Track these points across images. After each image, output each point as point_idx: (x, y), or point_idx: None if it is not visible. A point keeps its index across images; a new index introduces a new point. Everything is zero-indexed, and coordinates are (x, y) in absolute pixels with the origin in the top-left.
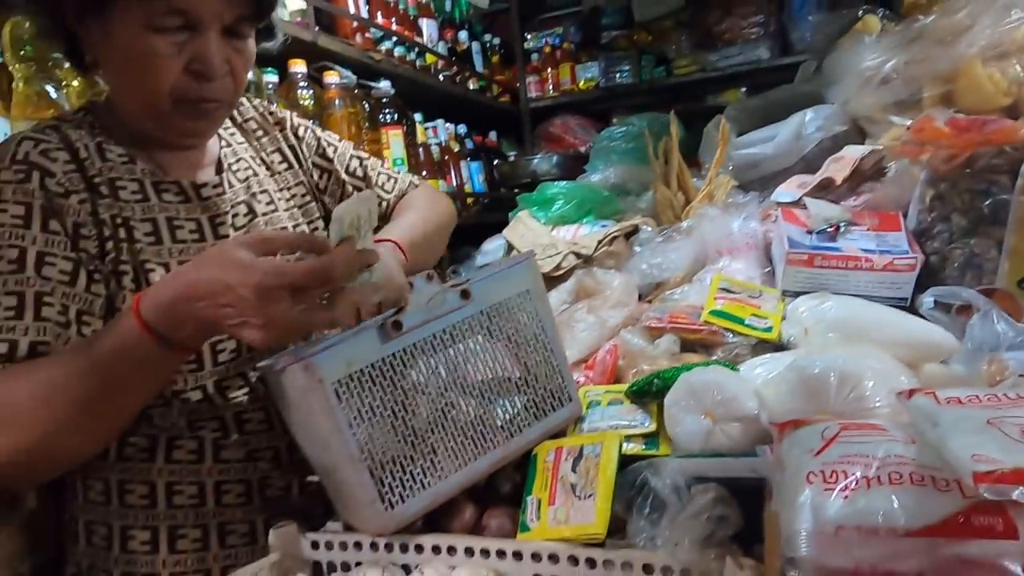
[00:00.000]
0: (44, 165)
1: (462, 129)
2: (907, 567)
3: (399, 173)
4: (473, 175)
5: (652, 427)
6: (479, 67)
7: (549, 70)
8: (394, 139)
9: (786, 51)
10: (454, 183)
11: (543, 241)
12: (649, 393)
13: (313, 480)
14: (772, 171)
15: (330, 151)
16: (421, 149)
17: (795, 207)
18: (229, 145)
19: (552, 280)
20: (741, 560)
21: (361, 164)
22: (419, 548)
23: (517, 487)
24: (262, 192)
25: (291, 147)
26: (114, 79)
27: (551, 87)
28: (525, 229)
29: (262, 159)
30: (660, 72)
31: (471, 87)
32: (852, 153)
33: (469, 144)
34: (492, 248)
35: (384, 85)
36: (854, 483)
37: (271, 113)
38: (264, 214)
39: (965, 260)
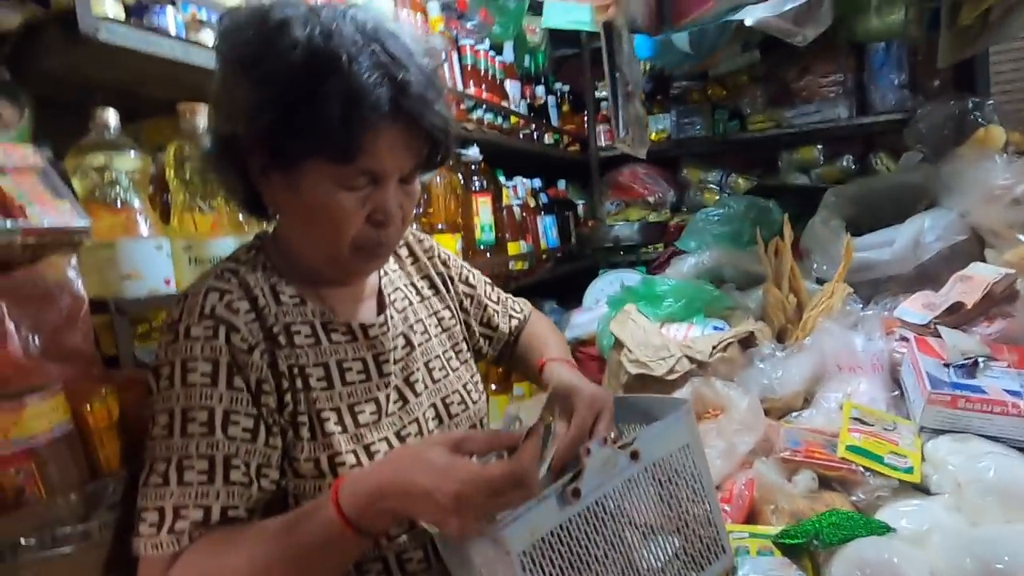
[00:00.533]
0: (230, 320)
1: (537, 183)
2: None
3: (512, 298)
4: (547, 230)
5: None
6: (554, 120)
7: None
8: (483, 206)
9: (864, 110)
10: (531, 241)
11: (655, 341)
12: (805, 549)
13: None
14: (886, 275)
15: (471, 278)
16: (505, 211)
17: (928, 335)
18: (387, 274)
19: (664, 384)
20: None
21: (493, 289)
22: None
23: None
24: (417, 322)
25: (439, 274)
26: (297, 227)
27: None
28: (635, 326)
29: (413, 285)
30: (734, 126)
31: (547, 141)
32: (982, 274)
33: (543, 198)
34: (582, 322)
35: (473, 152)
36: None
37: (420, 240)
38: (419, 344)
39: None
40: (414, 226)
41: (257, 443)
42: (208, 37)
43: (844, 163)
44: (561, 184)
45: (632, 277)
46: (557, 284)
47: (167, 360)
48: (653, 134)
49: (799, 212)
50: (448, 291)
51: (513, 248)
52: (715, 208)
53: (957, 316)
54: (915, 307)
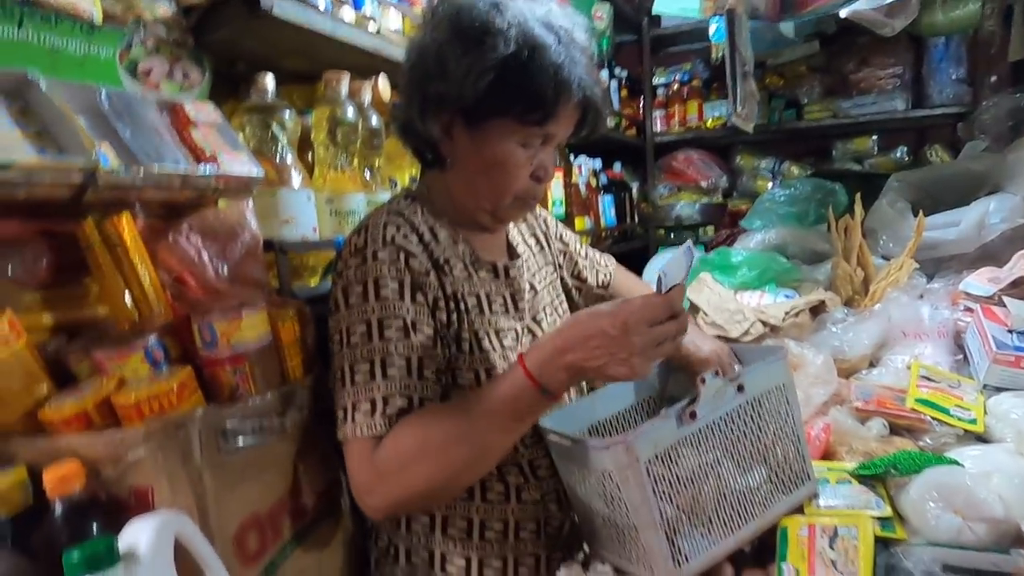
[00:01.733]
0: (407, 248)
1: (597, 164)
2: None
3: (600, 254)
4: (607, 209)
5: (888, 511)
6: (615, 104)
7: (676, 106)
8: (555, 181)
9: (920, 103)
10: (593, 219)
11: (730, 306)
12: (880, 477)
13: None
14: (949, 254)
15: (565, 235)
16: (572, 189)
17: (993, 304)
18: (512, 228)
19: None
20: None
21: (582, 246)
22: None
23: (756, 551)
24: (535, 272)
25: (544, 233)
26: (467, 178)
27: (677, 123)
28: (710, 292)
29: (526, 241)
30: (790, 115)
31: (609, 124)
32: None
33: (603, 179)
34: None
35: None
36: None
37: None
38: (538, 290)
39: None
40: None
41: (437, 349)
42: (348, 14)
43: (898, 154)
44: (617, 166)
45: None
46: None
47: (359, 280)
48: (709, 121)
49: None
50: (550, 247)
51: (579, 223)
52: (781, 189)
53: (1020, 289)
54: (980, 280)
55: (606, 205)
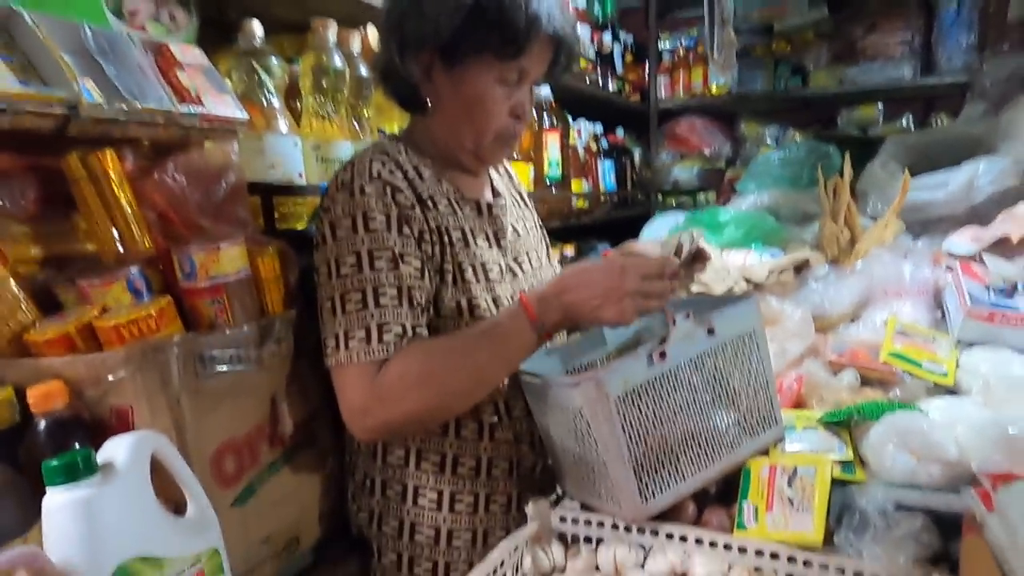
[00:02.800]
0: (393, 182)
1: (598, 128)
2: None
3: None
4: (606, 173)
5: (850, 455)
6: (619, 69)
7: (681, 71)
8: (552, 142)
9: (929, 71)
10: (592, 183)
11: (715, 264)
12: (845, 423)
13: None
14: (938, 215)
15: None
16: (570, 151)
17: (973, 261)
18: (495, 174)
19: None
20: None
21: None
22: (654, 533)
23: (720, 492)
24: (519, 219)
25: (525, 197)
26: (450, 119)
27: (682, 89)
28: None
29: (511, 193)
30: (796, 82)
31: (611, 88)
32: None
33: (604, 143)
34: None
35: (545, 91)
36: None
37: (506, 164)
38: (521, 234)
39: None
40: None
41: (424, 280)
42: None
43: (904, 123)
44: (619, 132)
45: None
46: (613, 228)
47: (346, 213)
48: (714, 87)
49: (857, 162)
50: (531, 210)
51: (576, 186)
52: (776, 152)
53: (1003, 248)
54: (963, 240)
55: (606, 170)
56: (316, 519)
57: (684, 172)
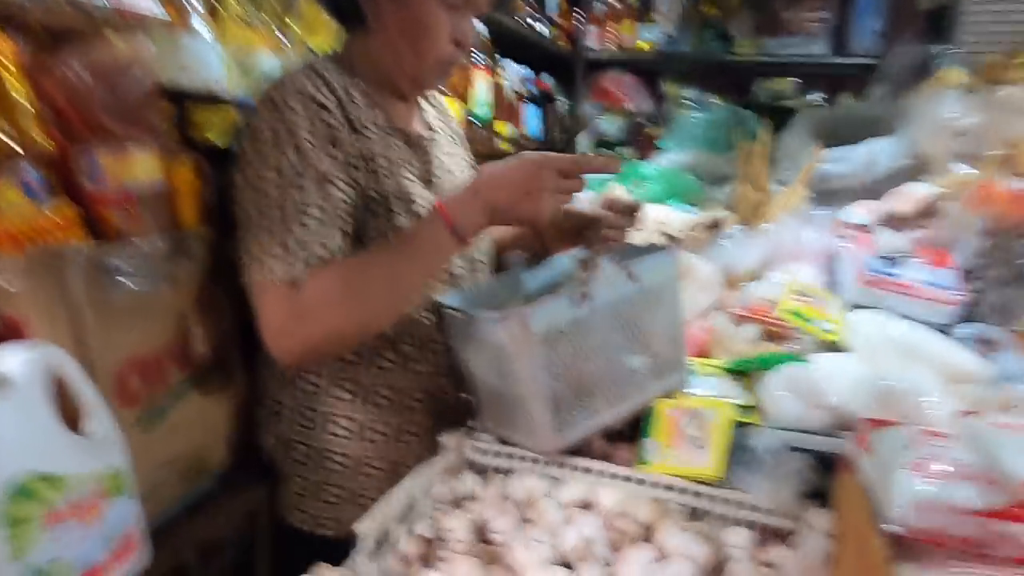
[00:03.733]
0: (322, 101)
1: (526, 72)
2: (968, 534)
3: None
4: (531, 119)
5: (749, 401)
6: (553, 11)
7: (611, 23)
8: (481, 80)
9: (840, 51)
10: (517, 127)
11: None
12: (746, 372)
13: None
14: (839, 187)
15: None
16: (498, 92)
17: (866, 232)
18: (426, 110)
19: None
20: (819, 511)
21: None
22: (562, 466)
23: (631, 430)
24: (450, 155)
25: (458, 133)
26: (390, 40)
27: (611, 41)
28: None
29: (444, 129)
30: (719, 48)
31: (541, 31)
32: (916, 191)
33: (532, 87)
34: None
35: (480, 28)
36: (937, 473)
37: (442, 101)
38: (451, 170)
39: (998, 305)
40: None
41: (350, 206)
42: None
43: (814, 98)
44: (546, 78)
45: None
46: None
47: (270, 127)
48: (641, 43)
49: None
50: (465, 149)
51: (501, 128)
52: (701, 113)
53: (893, 221)
54: (860, 211)
55: (531, 115)
56: (223, 443)
57: (611, 125)
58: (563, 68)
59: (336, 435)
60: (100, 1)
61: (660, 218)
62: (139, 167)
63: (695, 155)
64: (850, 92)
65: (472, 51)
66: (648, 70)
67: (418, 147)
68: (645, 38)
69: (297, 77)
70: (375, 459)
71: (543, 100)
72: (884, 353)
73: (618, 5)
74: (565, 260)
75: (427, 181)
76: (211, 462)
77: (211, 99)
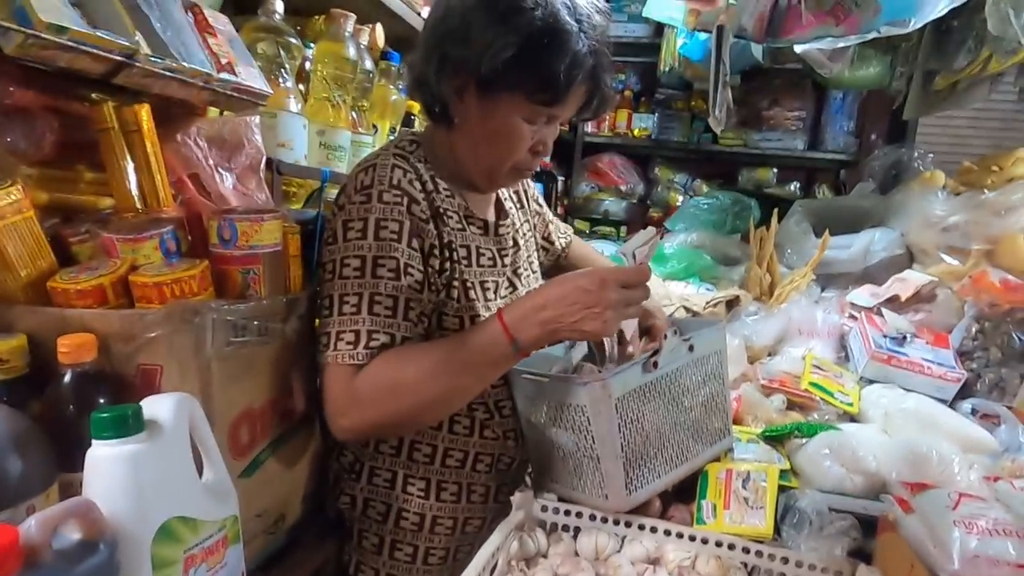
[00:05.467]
0: (411, 193)
1: None
2: None
3: (561, 223)
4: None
5: (787, 465)
6: None
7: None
8: None
9: (815, 146)
10: None
11: (659, 291)
12: (782, 438)
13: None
14: (839, 271)
15: (540, 199)
16: None
17: (873, 313)
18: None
19: None
20: (868, 568)
21: (550, 211)
22: (628, 524)
23: (676, 492)
24: (517, 228)
25: (524, 192)
26: (473, 142)
27: (607, 127)
28: None
29: (511, 197)
30: (707, 138)
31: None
32: (914, 278)
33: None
34: None
35: None
36: (983, 531)
37: None
38: (520, 246)
39: (995, 382)
40: None
41: (423, 294)
42: None
43: (792, 188)
44: (547, 158)
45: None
46: None
47: (360, 216)
48: (636, 131)
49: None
50: (528, 207)
51: None
52: (704, 198)
53: (894, 305)
54: (863, 294)
55: (537, 191)
56: (300, 499)
57: (613, 205)
58: (563, 150)
59: (412, 495)
60: (226, 78)
61: (683, 294)
62: (268, 232)
63: (702, 236)
64: (824, 184)
65: None
66: (641, 155)
67: (495, 233)
68: (640, 126)
69: (392, 167)
70: (445, 517)
71: (546, 179)
72: (901, 423)
73: (615, 95)
74: None
75: (501, 263)
76: (290, 517)
77: (303, 171)
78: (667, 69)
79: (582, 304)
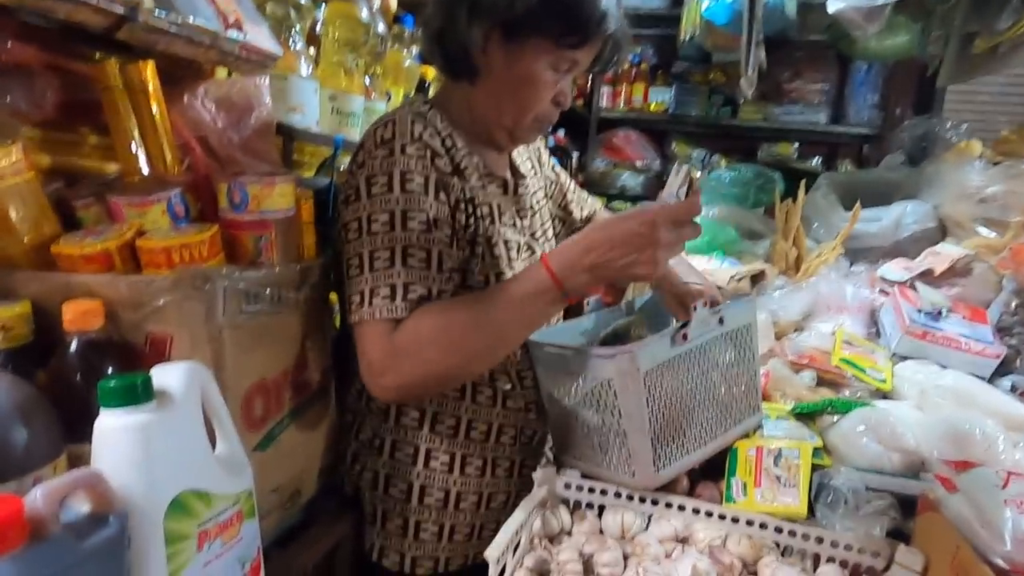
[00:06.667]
0: (433, 147)
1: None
2: None
3: (586, 193)
4: None
5: (819, 442)
6: None
7: (623, 85)
8: None
9: (838, 120)
10: None
11: (681, 266)
12: (814, 415)
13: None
14: (869, 246)
15: (557, 167)
16: None
17: (907, 287)
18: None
19: None
20: (908, 548)
21: (571, 181)
22: (655, 502)
23: (704, 469)
24: (533, 193)
25: (538, 160)
26: (496, 94)
27: (623, 102)
28: None
29: (529, 159)
30: (726, 112)
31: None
32: (948, 251)
33: (550, 142)
34: None
35: None
36: None
37: None
38: (536, 211)
39: None
40: None
41: (454, 248)
42: None
43: (814, 163)
44: (561, 133)
45: None
46: None
47: (383, 170)
48: (653, 105)
49: (787, 189)
50: (543, 174)
51: None
52: (727, 171)
53: (927, 279)
54: (895, 268)
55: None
56: (316, 474)
57: (631, 179)
58: (578, 125)
59: (436, 470)
60: (233, 37)
61: (706, 269)
62: (280, 196)
63: (724, 210)
64: (847, 159)
65: None
66: (658, 130)
67: (514, 193)
68: (657, 100)
69: (411, 121)
70: (469, 493)
71: (561, 154)
72: (938, 400)
73: (631, 68)
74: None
75: (520, 224)
76: (305, 492)
77: (315, 136)
78: (688, 38)
79: (632, 246)
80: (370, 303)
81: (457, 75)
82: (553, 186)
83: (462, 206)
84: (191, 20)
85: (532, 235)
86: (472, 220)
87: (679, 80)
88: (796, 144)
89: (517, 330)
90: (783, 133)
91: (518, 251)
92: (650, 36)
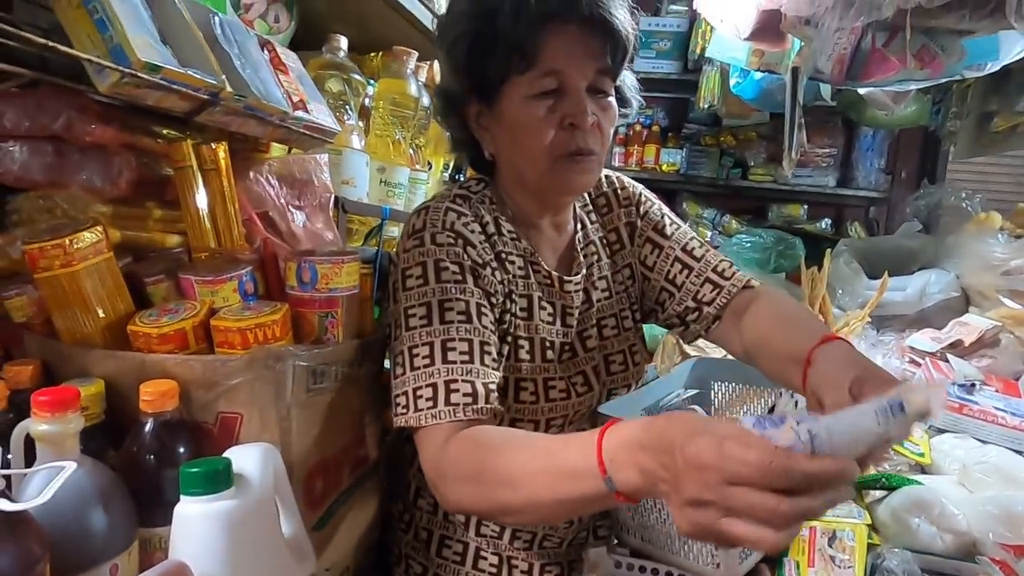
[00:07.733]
0: (467, 236)
1: None
2: None
3: (728, 262)
4: None
5: (868, 520)
6: None
7: (635, 146)
8: None
9: (845, 183)
10: None
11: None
12: (863, 487)
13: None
14: (893, 314)
15: (669, 228)
16: None
17: (938, 359)
18: (584, 227)
19: None
20: None
21: (701, 246)
22: None
23: None
24: (600, 278)
25: (630, 223)
26: (505, 153)
27: (635, 162)
28: None
29: (604, 239)
30: (736, 173)
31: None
32: (976, 322)
33: None
34: None
35: None
36: None
37: (623, 188)
38: (597, 300)
39: None
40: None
41: (495, 338)
42: None
43: (823, 225)
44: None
45: None
46: None
47: (417, 262)
48: (664, 165)
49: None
50: (633, 244)
51: None
52: (747, 236)
53: (956, 350)
54: (924, 339)
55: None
56: (363, 554)
57: None
58: None
59: (484, 571)
60: (300, 116)
61: None
62: (347, 275)
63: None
64: (856, 221)
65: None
66: (668, 189)
67: (560, 288)
68: (668, 161)
69: (445, 210)
70: (518, 560)
71: None
72: (982, 478)
73: (643, 130)
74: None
75: (564, 322)
76: (353, 568)
77: (366, 208)
78: (706, 106)
79: (693, 480)
80: (415, 407)
81: (482, 166)
82: (655, 253)
83: (495, 299)
84: (265, 102)
85: (581, 333)
86: (506, 317)
87: (690, 142)
88: (805, 205)
89: (551, 505)
90: (793, 195)
91: (554, 350)
92: (661, 99)
